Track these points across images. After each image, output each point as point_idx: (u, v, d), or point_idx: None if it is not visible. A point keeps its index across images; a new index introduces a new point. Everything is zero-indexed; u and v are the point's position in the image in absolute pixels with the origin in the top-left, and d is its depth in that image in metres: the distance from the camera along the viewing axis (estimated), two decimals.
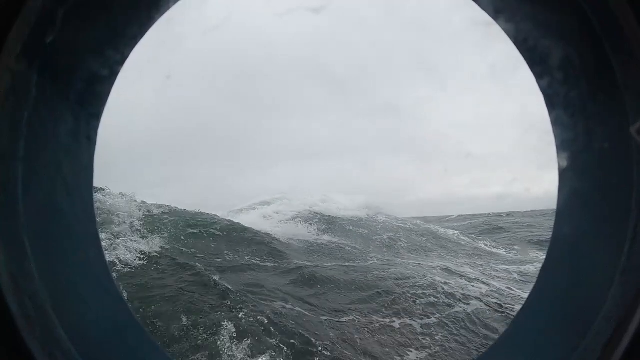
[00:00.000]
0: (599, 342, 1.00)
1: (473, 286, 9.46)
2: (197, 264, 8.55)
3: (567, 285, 1.34)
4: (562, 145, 1.27)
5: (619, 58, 1.02)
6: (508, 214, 31.63)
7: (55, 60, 1.10)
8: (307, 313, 7.00)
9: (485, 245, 16.81)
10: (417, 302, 8.16)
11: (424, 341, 6.73)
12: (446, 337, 6.98)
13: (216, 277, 7.83)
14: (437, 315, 7.63)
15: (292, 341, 5.91)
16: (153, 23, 1.35)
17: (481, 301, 8.59)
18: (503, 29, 1.29)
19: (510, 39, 1.30)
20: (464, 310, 8.04)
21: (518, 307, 8.31)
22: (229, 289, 7.29)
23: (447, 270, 10.92)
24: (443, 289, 8.85)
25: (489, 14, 1.27)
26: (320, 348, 5.89)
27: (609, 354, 0.95)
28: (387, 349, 6.25)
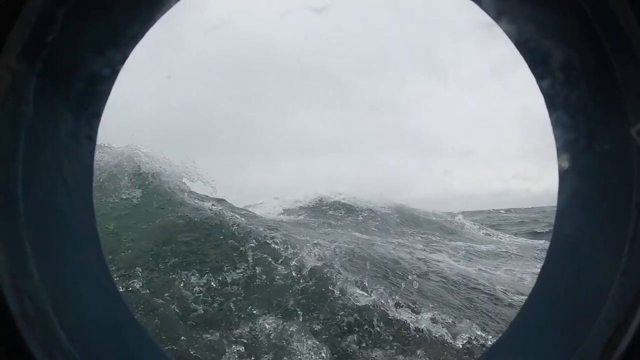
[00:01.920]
0: (599, 343, 1.00)
1: (408, 253, 9.46)
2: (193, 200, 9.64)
3: (567, 285, 1.34)
4: (563, 146, 1.28)
5: (619, 58, 1.01)
6: (507, 210, 31.74)
7: (55, 60, 1.10)
8: (241, 219, 8.03)
9: (456, 222, 16.56)
10: (338, 249, 8.36)
11: (325, 257, 7.11)
12: (350, 260, 7.41)
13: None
14: (354, 260, 7.77)
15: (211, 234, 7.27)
16: (154, 22, 1.35)
17: (407, 254, 8.77)
18: (504, 30, 1.29)
19: (512, 40, 1.30)
20: (385, 254, 8.25)
21: (443, 266, 8.46)
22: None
23: (391, 242, 10.81)
24: (372, 247, 8.96)
25: (490, 15, 1.26)
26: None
27: (609, 355, 0.95)
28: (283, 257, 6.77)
